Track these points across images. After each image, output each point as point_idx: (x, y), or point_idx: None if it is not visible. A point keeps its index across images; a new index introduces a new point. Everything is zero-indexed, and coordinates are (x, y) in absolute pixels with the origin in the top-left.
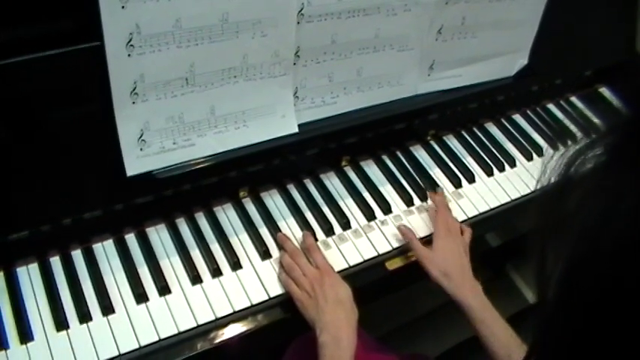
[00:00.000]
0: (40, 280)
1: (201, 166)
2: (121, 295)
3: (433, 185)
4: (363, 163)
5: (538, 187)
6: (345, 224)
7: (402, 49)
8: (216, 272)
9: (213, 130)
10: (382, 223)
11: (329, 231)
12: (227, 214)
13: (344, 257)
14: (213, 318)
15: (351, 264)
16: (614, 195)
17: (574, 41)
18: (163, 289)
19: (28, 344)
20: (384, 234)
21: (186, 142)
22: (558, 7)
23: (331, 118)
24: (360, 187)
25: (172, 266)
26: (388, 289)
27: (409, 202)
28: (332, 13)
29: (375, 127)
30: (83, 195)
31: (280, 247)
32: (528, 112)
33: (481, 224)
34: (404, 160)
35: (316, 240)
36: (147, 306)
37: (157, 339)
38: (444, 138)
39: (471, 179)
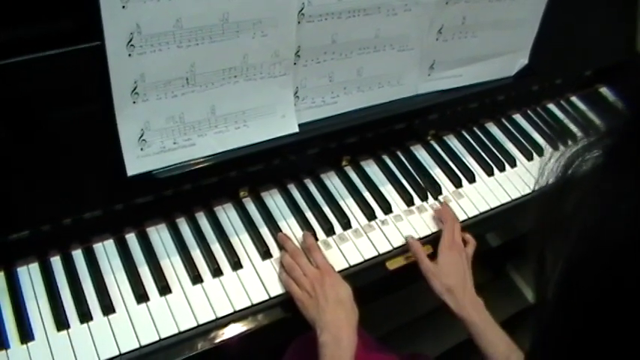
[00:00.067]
0: (41, 280)
1: (202, 165)
2: (121, 295)
3: (434, 185)
4: (363, 163)
5: (536, 188)
6: (346, 224)
7: (402, 49)
8: (216, 272)
9: (214, 129)
10: (383, 222)
11: (329, 231)
12: (227, 214)
13: (344, 257)
14: (213, 318)
15: (352, 264)
16: (613, 196)
17: (574, 41)
18: (164, 288)
19: (29, 344)
20: (384, 234)
21: (186, 141)
22: (558, 7)
23: (331, 117)
24: (360, 186)
25: (173, 266)
26: (388, 289)
27: (409, 202)
28: (332, 12)
29: (376, 127)
30: (84, 195)
31: (281, 246)
32: (529, 111)
33: (481, 224)
34: (404, 160)
35: (317, 240)
36: (147, 306)
37: (157, 339)
38: (445, 138)
39: (472, 179)
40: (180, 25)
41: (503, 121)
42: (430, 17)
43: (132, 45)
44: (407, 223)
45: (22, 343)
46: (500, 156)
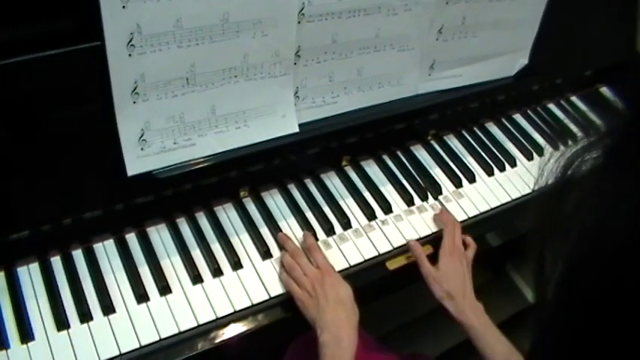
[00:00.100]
0: (41, 280)
1: (202, 165)
2: (121, 295)
3: (434, 185)
4: (363, 163)
5: (536, 188)
6: (346, 224)
7: (402, 49)
8: (216, 272)
9: (214, 129)
10: (383, 222)
11: (329, 231)
12: (228, 214)
13: (344, 257)
14: (213, 318)
15: (352, 264)
16: (613, 196)
17: (574, 41)
18: (164, 288)
19: (29, 344)
20: (384, 234)
21: (186, 141)
22: (558, 7)
23: (332, 117)
24: (360, 186)
25: (173, 266)
26: (388, 289)
27: (410, 202)
28: (332, 12)
29: (376, 127)
30: (84, 195)
31: (281, 246)
32: (529, 111)
33: (481, 224)
34: (404, 160)
35: (317, 240)
36: (147, 305)
37: (157, 338)
38: (445, 138)
39: (472, 179)
40: (181, 25)
41: (504, 121)
42: (430, 17)
43: (132, 45)
44: (407, 223)
45: (23, 343)
46: (500, 156)
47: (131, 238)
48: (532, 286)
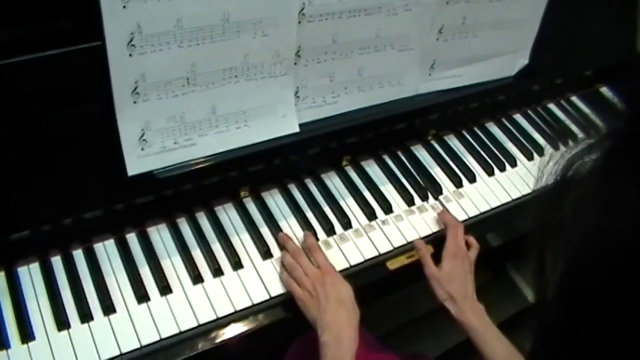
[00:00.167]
0: (42, 280)
1: (202, 165)
2: (122, 295)
3: (434, 185)
4: (363, 163)
5: (536, 189)
6: (346, 224)
7: (402, 49)
8: (217, 272)
9: (214, 129)
10: (383, 222)
11: (330, 231)
12: (228, 214)
13: (345, 257)
14: (214, 317)
15: (352, 264)
16: (613, 198)
17: (574, 41)
18: (164, 288)
19: (30, 344)
20: (384, 234)
21: (187, 141)
22: (559, 7)
23: (332, 117)
24: (361, 186)
25: (173, 266)
26: (389, 289)
27: (410, 202)
28: (333, 12)
29: (376, 127)
30: (84, 195)
31: (281, 246)
32: (529, 111)
33: (482, 224)
34: (405, 160)
35: (317, 240)
36: (148, 305)
37: (158, 338)
38: (445, 138)
39: (472, 179)
40: (181, 25)
41: (504, 120)
42: (431, 17)
43: (132, 45)
44: (407, 223)
45: (23, 342)
46: (500, 156)
47: (131, 238)
48: (532, 286)
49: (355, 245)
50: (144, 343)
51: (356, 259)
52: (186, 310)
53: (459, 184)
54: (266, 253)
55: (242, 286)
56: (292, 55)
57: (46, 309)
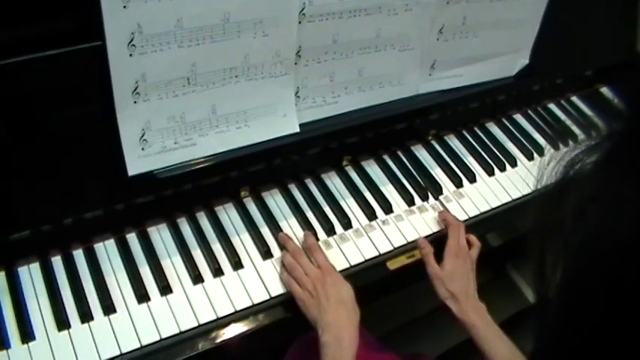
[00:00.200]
0: (42, 280)
1: (203, 165)
2: (122, 295)
3: (434, 185)
4: (364, 163)
5: (536, 189)
6: (347, 224)
7: (403, 49)
8: (217, 272)
9: (215, 129)
10: (383, 222)
11: (330, 231)
12: (228, 214)
13: (345, 257)
14: (214, 317)
15: (353, 264)
16: (614, 199)
17: (575, 41)
18: (165, 288)
19: (30, 344)
20: (385, 234)
21: (187, 141)
22: (559, 7)
23: (332, 117)
24: (361, 186)
25: (174, 266)
26: (389, 289)
27: (410, 202)
28: (333, 12)
29: (376, 127)
30: (84, 195)
31: (282, 246)
32: (529, 111)
33: (482, 224)
34: (405, 160)
35: (317, 240)
36: (148, 305)
37: (158, 338)
38: (445, 138)
39: (472, 179)
40: (181, 25)
41: (504, 120)
42: (431, 17)
43: (133, 45)
44: (408, 223)
45: (23, 342)
46: (500, 156)
47: (132, 238)
48: (532, 286)
49: (355, 245)
50: (144, 343)
51: (356, 259)
52: (187, 310)
53: (459, 184)
54: (266, 253)
55: (242, 286)
56: (293, 55)
57: (47, 309)
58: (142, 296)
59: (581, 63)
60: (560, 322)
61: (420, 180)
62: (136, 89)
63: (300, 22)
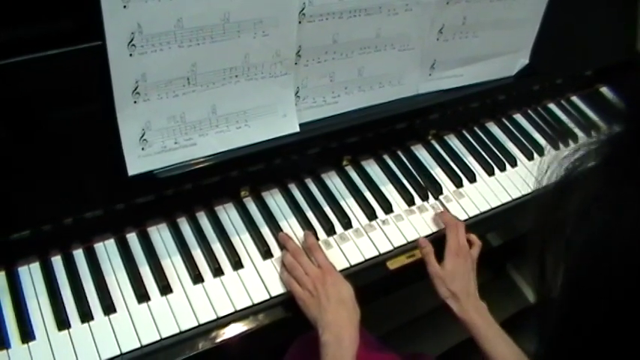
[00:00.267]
0: (42, 280)
1: (203, 165)
2: (122, 295)
3: (434, 184)
4: (364, 163)
5: (536, 190)
6: (347, 224)
7: (403, 49)
8: (217, 271)
9: (215, 129)
10: (383, 222)
11: (330, 230)
12: (228, 214)
13: (345, 257)
14: (214, 317)
15: (353, 263)
16: (615, 198)
17: (575, 41)
18: (165, 288)
19: (30, 343)
20: (385, 233)
21: (187, 141)
22: (559, 7)
23: (332, 117)
24: (361, 186)
25: (174, 265)
26: (389, 289)
27: (410, 202)
28: (333, 12)
29: (376, 127)
30: (84, 194)
31: (282, 246)
32: (529, 111)
33: (482, 224)
34: (405, 160)
35: (317, 239)
36: (148, 305)
37: (158, 338)
38: (445, 137)
39: (472, 179)
40: (182, 25)
41: (504, 120)
42: (431, 17)
43: (133, 45)
44: (408, 223)
45: (23, 342)
46: (500, 156)
47: (132, 238)
48: (532, 286)
49: (355, 245)
50: (144, 342)
51: (356, 258)
52: (187, 310)
53: (459, 183)
54: (266, 253)
55: (242, 285)
56: (293, 54)
57: (47, 308)
58: (142, 296)
59: (581, 63)
60: (562, 323)
61: (420, 180)
62: (136, 89)
63: (300, 22)
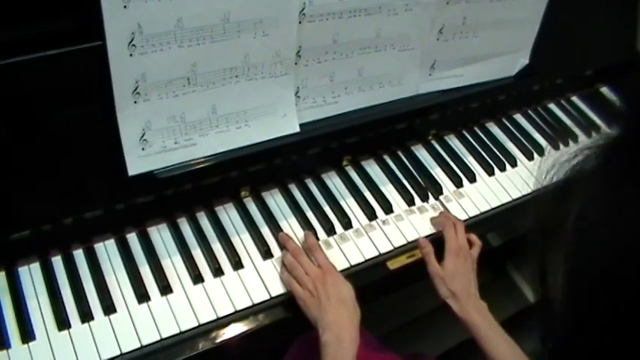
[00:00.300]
0: (42, 280)
1: (203, 165)
2: (122, 295)
3: (434, 185)
4: (364, 163)
5: (536, 190)
6: (347, 224)
7: (403, 49)
8: (217, 272)
9: (215, 129)
10: (383, 222)
11: (330, 230)
12: (228, 214)
13: (345, 257)
14: (214, 317)
15: (353, 263)
16: (615, 198)
17: (575, 41)
18: (165, 288)
19: (30, 343)
20: (385, 233)
21: (187, 141)
22: (559, 7)
23: (332, 117)
24: (361, 186)
25: (174, 266)
26: (389, 289)
27: (410, 202)
28: (333, 12)
29: (377, 127)
30: (85, 195)
31: (282, 246)
32: (529, 111)
33: (482, 224)
34: (405, 160)
35: (317, 239)
36: (148, 305)
37: (158, 338)
38: (445, 137)
39: (472, 179)
40: (182, 25)
41: (504, 120)
42: (431, 17)
43: (133, 45)
44: (408, 223)
45: (23, 342)
46: (500, 156)
47: (132, 238)
48: (532, 286)
49: (355, 245)
50: (144, 342)
51: (356, 258)
52: (187, 310)
53: (459, 183)
54: (266, 253)
55: (242, 285)
56: (293, 55)
57: (47, 309)
58: (142, 296)
59: (581, 63)
60: (563, 323)
61: (420, 180)
62: (136, 89)
63: (300, 22)
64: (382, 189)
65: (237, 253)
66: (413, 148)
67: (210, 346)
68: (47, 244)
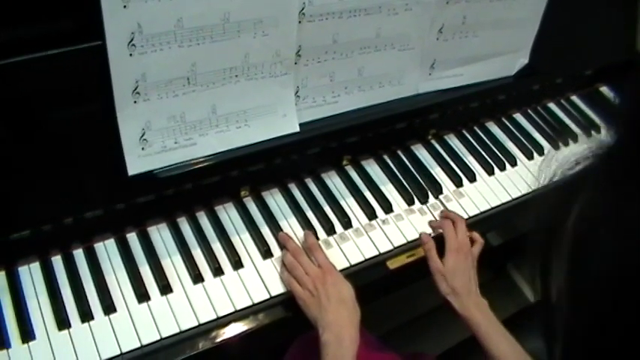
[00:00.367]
0: (42, 280)
1: (203, 165)
2: (122, 294)
3: (434, 184)
4: (364, 163)
5: (536, 190)
6: (347, 223)
7: (403, 49)
8: (217, 271)
9: (215, 129)
10: (383, 222)
11: (330, 230)
12: (228, 214)
13: (345, 256)
14: (214, 317)
15: (353, 263)
16: (615, 197)
17: (574, 40)
18: (165, 288)
19: (30, 343)
20: (385, 233)
21: (187, 141)
22: (559, 7)
23: (332, 117)
24: (361, 186)
25: (174, 265)
26: (389, 288)
27: (410, 202)
28: (333, 12)
29: (376, 127)
30: (85, 194)
31: (282, 246)
32: (529, 111)
33: (482, 223)
34: (405, 160)
35: (317, 239)
36: (148, 305)
37: (158, 338)
38: (445, 137)
39: (472, 178)
40: (182, 25)
41: (504, 120)
42: (431, 17)
43: (133, 45)
44: (408, 223)
45: (24, 342)
46: (500, 155)
47: (132, 238)
48: (532, 286)
49: (355, 245)
50: (144, 342)
51: (356, 258)
52: (187, 310)
53: (459, 183)
54: (266, 253)
55: (242, 285)
56: (293, 54)
57: (47, 308)
58: (142, 296)
59: (581, 63)
60: (563, 323)
61: (420, 179)
62: (136, 89)
63: (300, 22)
64: (382, 188)
65: (237, 253)
66: (413, 147)
67: (210, 346)
68: (47, 244)
